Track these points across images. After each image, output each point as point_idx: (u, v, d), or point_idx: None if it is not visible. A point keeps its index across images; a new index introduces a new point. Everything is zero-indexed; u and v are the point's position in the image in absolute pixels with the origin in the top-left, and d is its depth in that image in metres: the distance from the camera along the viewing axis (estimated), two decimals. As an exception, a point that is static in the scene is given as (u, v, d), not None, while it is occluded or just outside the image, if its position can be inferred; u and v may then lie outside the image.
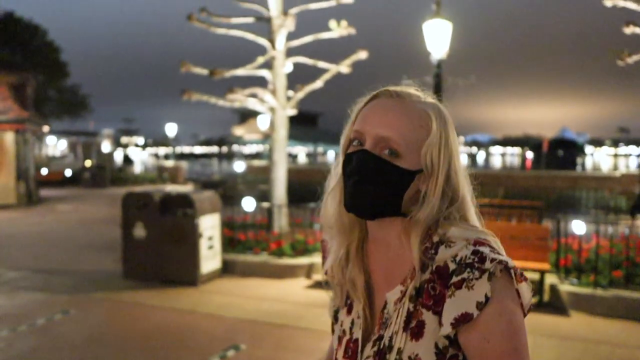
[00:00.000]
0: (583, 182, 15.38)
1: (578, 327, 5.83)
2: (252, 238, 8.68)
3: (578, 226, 9.34)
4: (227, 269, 7.88)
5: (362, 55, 9.76)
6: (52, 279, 7.91)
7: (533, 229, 7.17)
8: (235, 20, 9.74)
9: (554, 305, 6.50)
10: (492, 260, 0.94)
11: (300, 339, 5.42)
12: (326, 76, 9.79)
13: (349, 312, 1.18)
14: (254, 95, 9.36)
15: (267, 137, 35.97)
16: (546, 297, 6.64)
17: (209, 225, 7.42)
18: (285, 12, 9.18)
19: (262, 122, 26.23)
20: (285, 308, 6.41)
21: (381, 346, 1.05)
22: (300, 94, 9.75)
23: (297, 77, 10.17)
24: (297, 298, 6.82)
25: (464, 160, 1.13)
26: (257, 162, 26.17)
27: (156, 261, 7.38)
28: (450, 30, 7.93)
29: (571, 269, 6.94)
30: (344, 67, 9.82)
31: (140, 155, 62.92)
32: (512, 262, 0.96)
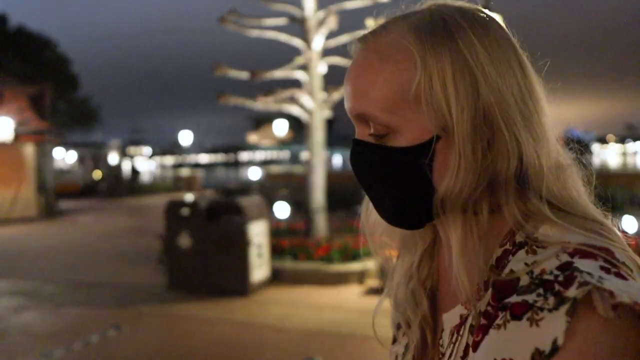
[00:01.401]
0: (614, 179, 15.07)
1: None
2: (296, 244, 8.39)
3: (630, 223, 9.01)
4: (276, 277, 7.58)
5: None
6: (94, 292, 7.62)
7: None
8: (268, 22, 9.48)
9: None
10: (585, 284, 0.53)
11: (376, 350, 5.11)
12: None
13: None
14: (291, 98, 9.09)
15: (283, 143, 35.95)
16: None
17: (258, 232, 7.13)
18: (324, 11, 8.91)
19: (279, 128, 26.03)
20: (347, 317, 6.10)
21: None
22: (337, 95, 9.47)
23: (330, 79, 9.89)
24: (355, 306, 6.51)
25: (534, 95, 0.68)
26: (275, 168, 25.93)
27: (203, 271, 7.09)
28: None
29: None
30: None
31: (148, 165, 62.84)
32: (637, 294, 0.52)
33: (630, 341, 0.54)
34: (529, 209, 0.64)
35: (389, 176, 0.69)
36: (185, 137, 35.59)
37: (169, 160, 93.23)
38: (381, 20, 0.72)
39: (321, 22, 9.23)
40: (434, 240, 0.83)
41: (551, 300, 0.55)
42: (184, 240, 7.20)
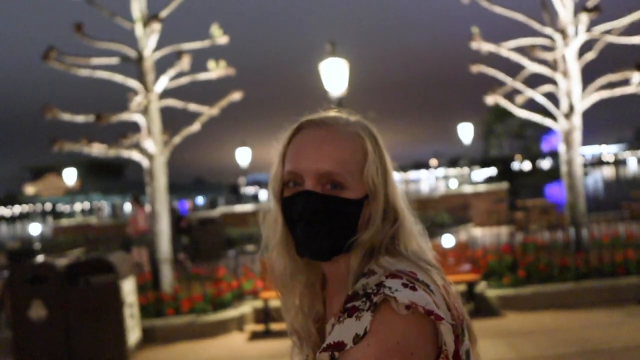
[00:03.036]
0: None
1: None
2: (151, 300, 7.69)
3: (448, 239, 10.38)
4: (147, 338, 6.85)
5: (236, 96, 9.55)
6: None
7: (458, 246, 7.83)
8: (97, 61, 8.72)
9: (484, 310, 7.10)
10: (383, 294, 0.87)
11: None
12: (203, 118, 9.33)
13: None
14: (135, 143, 8.44)
15: (70, 193, 32.13)
16: (473, 304, 7.23)
17: (129, 291, 6.41)
18: (180, 52, 8.53)
19: (68, 177, 23.36)
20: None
21: None
22: (177, 139, 9.10)
23: (166, 122, 9.46)
24: (247, 354, 6.25)
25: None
26: (66, 221, 23.09)
27: (66, 344, 6.07)
28: (346, 68, 8.29)
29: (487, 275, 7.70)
30: (216, 110, 9.48)
31: None
32: (421, 300, 0.87)
33: (423, 329, 0.86)
34: (387, 250, 1.00)
35: (336, 218, 0.98)
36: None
37: None
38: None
39: (155, 63, 8.85)
40: (310, 282, 1.11)
41: (367, 304, 0.87)
42: (37, 311, 6.09)
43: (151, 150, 8.63)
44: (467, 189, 17.36)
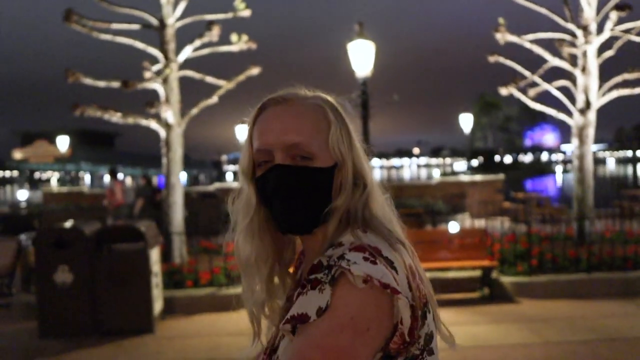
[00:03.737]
0: (407, 190, 17.20)
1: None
2: (165, 270, 7.66)
3: (454, 226, 10.52)
4: (168, 309, 6.85)
5: (255, 71, 9.48)
6: None
7: (469, 232, 7.95)
8: (116, 26, 8.56)
9: (499, 295, 7.26)
10: (340, 267, 0.88)
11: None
12: (220, 92, 9.25)
13: None
14: (154, 112, 8.33)
15: (59, 161, 31.56)
16: (489, 290, 7.38)
17: (155, 260, 6.39)
18: (211, 22, 8.40)
19: (61, 144, 22.92)
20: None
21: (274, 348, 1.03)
22: (195, 110, 9.02)
23: (183, 93, 9.35)
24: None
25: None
26: (57, 189, 22.71)
27: (91, 310, 6.05)
28: (373, 50, 8.29)
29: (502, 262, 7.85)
30: (233, 84, 9.40)
31: None
32: (377, 273, 0.87)
33: (380, 304, 0.86)
34: (356, 223, 1.00)
35: (309, 189, 0.99)
36: None
37: None
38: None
39: (174, 31, 8.72)
40: (279, 264, 1.12)
41: (328, 277, 0.88)
42: (63, 276, 6.05)
43: (170, 120, 8.55)
44: (464, 177, 17.55)
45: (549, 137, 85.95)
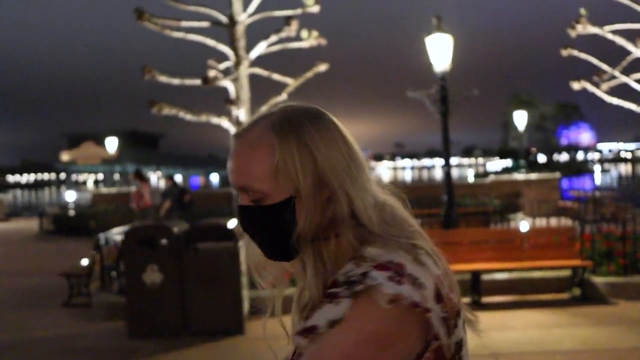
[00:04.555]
0: (459, 189, 16.88)
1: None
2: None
3: (524, 225, 10.19)
4: (251, 309, 6.72)
5: (322, 68, 9.32)
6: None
7: (559, 231, 7.64)
8: (185, 24, 8.49)
9: (592, 296, 6.93)
10: (366, 284, 0.85)
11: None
12: (289, 89, 9.11)
13: None
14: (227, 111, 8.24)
15: (106, 162, 32.07)
16: (580, 290, 7.05)
17: (243, 259, 6.26)
18: (290, 17, 8.27)
19: (110, 145, 23.21)
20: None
21: None
22: (265, 108, 8.87)
23: (252, 91, 9.24)
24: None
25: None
26: (105, 190, 22.99)
27: (181, 311, 5.95)
28: (451, 44, 8.05)
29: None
30: (301, 81, 9.25)
31: None
32: (405, 292, 0.84)
33: (407, 322, 0.84)
34: (360, 236, 0.94)
35: (267, 226, 0.96)
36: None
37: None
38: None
39: (244, 28, 8.62)
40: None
41: (348, 292, 0.85)
42: (152, 276, 5.95)
43: (242, 118, 8.44)
44: (519, 176, 17.15)
45: (585, 136, 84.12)
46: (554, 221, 12.10)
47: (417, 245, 0.94)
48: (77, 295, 7.68)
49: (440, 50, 8.07)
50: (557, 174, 17.30)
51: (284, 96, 9.03)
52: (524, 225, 10.04)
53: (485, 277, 7.26)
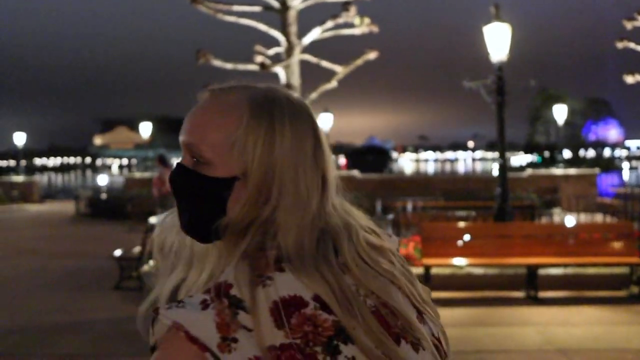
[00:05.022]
0: (493, 183, 16.67)
1: None
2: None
3: (570, 220, 10.02)
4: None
5: (372, 55, 9.23)
6: (68, 342, 5.90)
7: (615, 226, 7.49)
8: (238, 9, 8.46)
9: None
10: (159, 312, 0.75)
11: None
12: (339, 76, 9.05)
13: None
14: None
15: (139, 147, 32.44)
16: (638, 288, 6.91)
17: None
18: (348, 3, 8.20)
19: (144, 130, 23.44)
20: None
21: None
22: (315, 95, 8.86)
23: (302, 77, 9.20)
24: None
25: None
26: (138, 174, 23.23)
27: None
28: (509, 33, 7.90)
29: None
30: (351, 68, 9.18)
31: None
32: (186, 321, 0.72)
33: (184, 350, 0.71)
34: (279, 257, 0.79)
35: (196, 196, 0.87)
36: (20, 139, 29.80)
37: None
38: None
39: (296, 13, 8.56)
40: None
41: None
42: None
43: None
44: (557, 171, 16.90)
45: (612, 132, 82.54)
46: (598, 217, 11.90)
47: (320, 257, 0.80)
48: (128, 278, 7.76)
49: (498, 40, 7.92)
50: (596, 170, 16.99)
51: (334, 83, 8.98)
52: (569, 220, 9.87)
53: (540, 271, 7.16)
